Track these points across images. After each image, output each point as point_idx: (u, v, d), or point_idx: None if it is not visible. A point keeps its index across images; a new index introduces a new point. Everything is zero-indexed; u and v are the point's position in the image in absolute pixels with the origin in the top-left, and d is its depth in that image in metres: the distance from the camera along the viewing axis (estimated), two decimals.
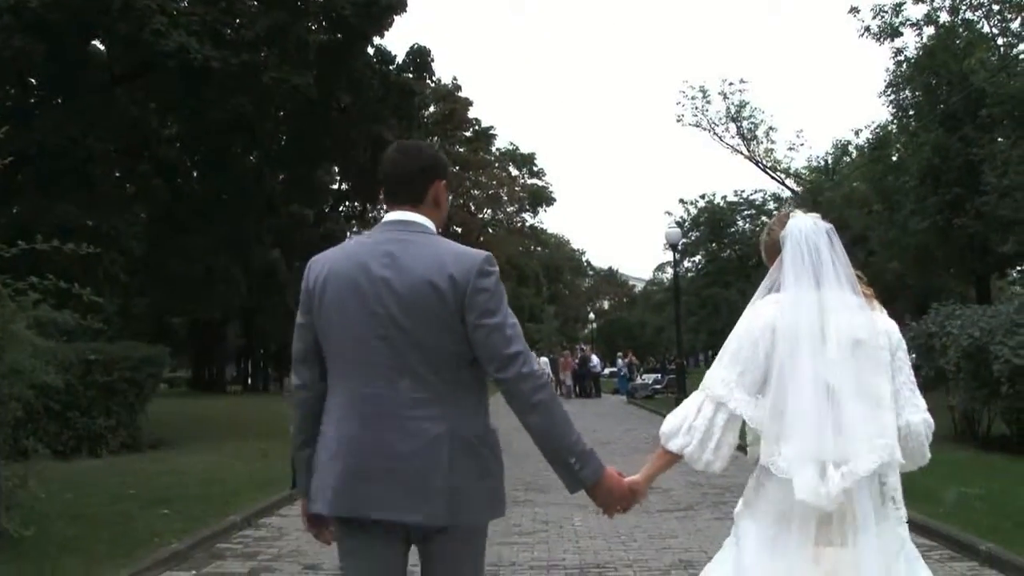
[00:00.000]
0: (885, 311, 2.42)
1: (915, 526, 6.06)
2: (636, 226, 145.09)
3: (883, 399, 2.18)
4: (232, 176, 20.40)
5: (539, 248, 57.00)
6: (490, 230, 50.85)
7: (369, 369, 2.14)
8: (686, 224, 27.32)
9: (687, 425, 2.22)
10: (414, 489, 2.10)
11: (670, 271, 31.82)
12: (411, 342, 2.13)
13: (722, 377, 2.21)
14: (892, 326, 2.35)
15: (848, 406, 2.11)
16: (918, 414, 2.28)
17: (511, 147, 53.18)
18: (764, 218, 27.06)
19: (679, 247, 25.89)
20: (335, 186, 35.69)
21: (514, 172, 52.31)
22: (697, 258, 29.35)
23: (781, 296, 2.25)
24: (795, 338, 2.16)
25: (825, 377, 2.12)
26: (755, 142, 36.67)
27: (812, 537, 2.08)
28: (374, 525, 2.14)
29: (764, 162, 36.95)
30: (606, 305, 75.73)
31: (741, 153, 36.71)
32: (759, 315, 2.25)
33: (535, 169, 54.19)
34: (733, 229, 26.86)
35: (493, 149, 49.69)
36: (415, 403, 2.13)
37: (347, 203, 38.46)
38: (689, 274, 31.01)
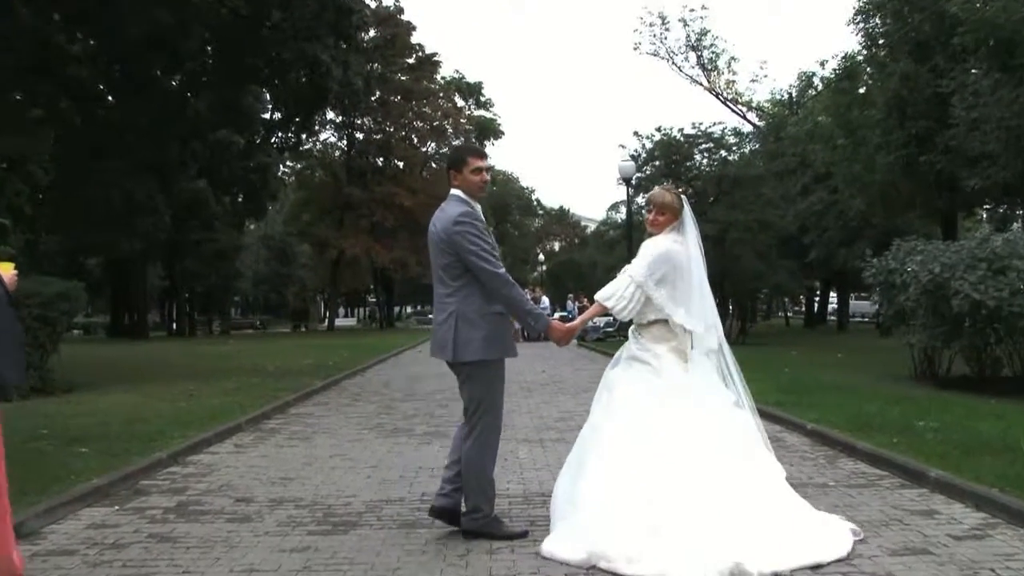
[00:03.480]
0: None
1: (866, 455, 6.36)
2: (589, 164, 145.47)
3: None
4: (152, 99, 19.77)
5: None
6: (434, 164, 50.42)
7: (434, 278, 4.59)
8: (641, 158, 27.25)
9: (619, 294, 4.42)
10: (438, 341, 4.53)
11: (623, 210, 31.97)
12: (436, 263, 4.55)
13: (643, 272, 4.40)
14: None
15: (709, 299, 4.55)
16: None
17: (457, 76, 52.69)
18: (723, 152, 27.25)
19: (633, 181, 25.97)
20: (267, 115, 34.85)
21: (460, 103, 51.78)
22: None
23: (680, 238, 4.54)
24: (690, 260, 4.48)
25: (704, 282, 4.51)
26: (716, 73, 36.78)
27: (688, 352, 4.46)
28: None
29: (725, 95, 37.13)
30: (556, 247, 75.90)
31: (701, 84, 36.84)
32: (665, 244, 4.50)
33: (482, 100, 53.81)
34: (690, 163, 26.95)
35: (437, 78, 49.14)
36: (441, 296, 4.56)
37: (280, 134, 37.60)
38: (643, 211, 31.32)
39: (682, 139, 26.56)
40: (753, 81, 41.26)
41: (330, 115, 44.18)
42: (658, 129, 27.20)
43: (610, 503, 4.03)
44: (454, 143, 49.03)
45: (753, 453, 4.34)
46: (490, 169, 4.69)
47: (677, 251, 4.45)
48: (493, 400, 4.51)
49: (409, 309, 79.04)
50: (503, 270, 4.41)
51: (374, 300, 63.70)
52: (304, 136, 40.33)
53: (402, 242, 43.35)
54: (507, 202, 65.56)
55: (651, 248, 4.46)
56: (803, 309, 43.61)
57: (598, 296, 4.50)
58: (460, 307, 4.41)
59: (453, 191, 4.59)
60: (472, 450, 4.47)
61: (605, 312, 4.56)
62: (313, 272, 59.13)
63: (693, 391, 4.32)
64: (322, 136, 47.26)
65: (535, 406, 10.55)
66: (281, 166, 45.14)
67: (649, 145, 27.22)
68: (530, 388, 12.72)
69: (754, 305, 30.72)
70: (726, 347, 4.59)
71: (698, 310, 4.43)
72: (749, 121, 36.72)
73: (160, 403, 10.15)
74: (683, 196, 4.64)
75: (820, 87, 31.03)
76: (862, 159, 20.01)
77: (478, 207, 4.60)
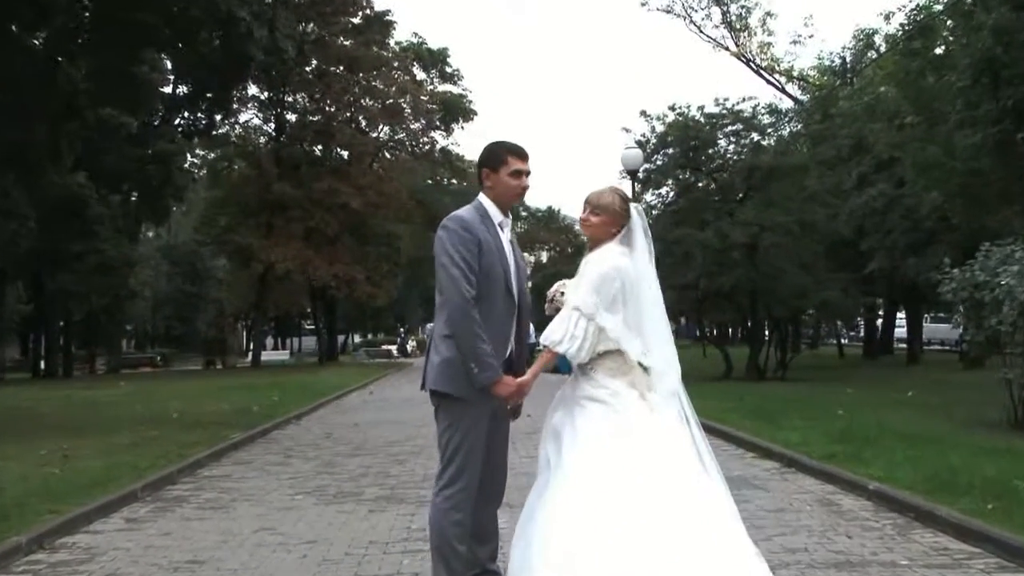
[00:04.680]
0: None
1: (950, 525, 6.30)
2: (585, 154, 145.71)
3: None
4: (10, 64, 19.44)
5: (454, 181, 56.81)
6: (387, 154, 50.42)
7: None
8: (650, 144, 27.26)
9: (569, 334, 4.57)
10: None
11: None
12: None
13: (591, 301, 4.57)
14: None
15: (665, 328, 4.86)
16: None
17: (415, 41, 52.79)
18: (755, 135, 27.37)
19: (640, 174, 26.04)
20: (168, 88, 34.86)
21: (420, 75, 51.95)
22: (664, 189, 29.59)
23: (626, 251, 4.73)
24: (639, 278, 4.69)
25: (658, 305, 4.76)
26: (746, 34, 37.13)
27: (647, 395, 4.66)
28: None
29: (757, 61, 37.47)
30: (544, 257, 76.12)
31: (727, 49, 37.18)
32: (611, 259, 4.67)
33: (449, 72, 53.83)
34: (712, 151, 27.04)
35: (391, 43, 49.26)
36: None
37: (187, 114, 37.57)
38: (653, 211, 31.19)
39: (702, 119, 26.65)
40: (795, 43, 40.31)
41: (252, 90, 44.29)
42: (672, 108, 27.30)
43: None
44: (413, 126, 49.31)
45: (725, 532, 4.41)
46: (530, 174, 4.96)
47: (626, 266, 4.70)
48: (461, 448, 4.69)
49: (357, 338, 78.92)
50: (468, 293, 4.61)
51: (312, 327, 63.51)
52: (219, 117, 40.38)
53: (347, 253, 43.29)
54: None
55: (595, 267, 4.69)
56: (861, 335, 43.72)
57: (545, 340, 4.69)
58: (437, 326, 4.77)
59: (480, 196, 4.93)
60: (435, 510, 4.69)
61: (554, 359, 4.79)
62: (232, 292, 58.90)
63: (667, 444, 4.52)
64: (242, 117, 47.58)
65: (518, 461, 10.41)
66: (189, 155, 45.11)
67: (660, 128, 27.30)
68: (512, 438, 12.60)
69: (796, 330, 30.74)
70: (683, 392, 4.79)
71: (654, 341, 4.72)
72: (788, 95, 37.05)
73: (20, 467, 9.91)
74: (633, 204, 4.91)
75: (883, 48, 31.11)
76: (939, 140, 19.87)
77: (505, 220, 4.95)
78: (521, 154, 4.93)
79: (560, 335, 4.59)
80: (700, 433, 4.67)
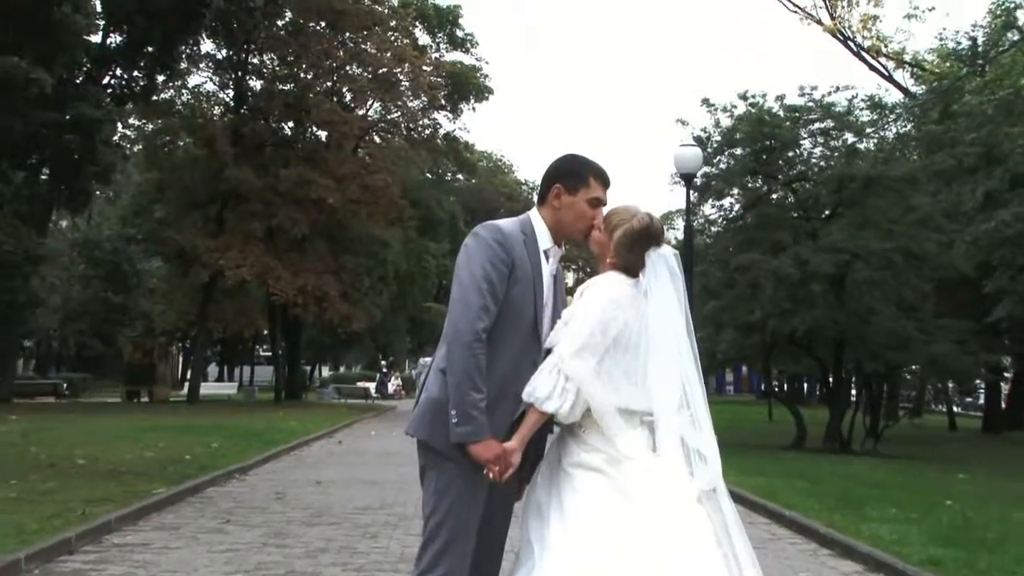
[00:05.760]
0: None
1: None
2: (625, 150, 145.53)
3: None
4: None
5: (460, 176, 56.90)
6: (376, 138, 50.47)
7: None
8: (712, 142, 27.26)
9: (557, 390, 4.60)
10: None
11: (680, 225, 32.03)
12: None
13: (577, 356, 4.60)
14: None
15: (697, 387, 4.86)
16: None
17: None
18: (849, 136, 27.31)
19: (697, 180, 25.93)
20: (96, 37, 34.97)
21: (423, 39, 52.32)
22: (727, 200, 29.45)
23: (633, 286, 4.78)
24: (646, 323, 4.76)
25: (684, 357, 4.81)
26: (845, 4, 37.11)
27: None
28: None
29: (859, 40, 37.43)
30: (569, 279, 76.04)
31: (818, 22, 37.21)
32: (611, 292, 4.73)
33: (459, 37, 54.20)
34: (793, 154, 27.02)
35: None
36: None
37: (120, 72, 37.73)
38: (713, 227, 31.02)
39: (782, 113, 26.68)
40: (909, 17, 39.83)
41: (207, 46, 44.51)
42: (743, 96, 27.31)
43: None
44: (411, 104, 49.32)
45: None
46: (605, 204, 5.00)
47: (627, 299, 4.76)
48: (446, 524, 4.68)
49: (326, 371, 78.95)
50: (480, 324, 4.62)
51: (268, 354, 63.58)
52: (161, 79, 40.52)
53: (319, 262, 43.42)
54: (492, 203, 65.73)
55: (590, 303, 4.74)
56: (980, 402, 43.45)
57: (529, 397, 4.68)
58: (437, 357, 4.79)
59: (534, 211, 5.02)
60: None
61: (543, 420, 4.77)
62: (168, 304, 58.82)
63: (681, 524, 4.51)
64: (192, 81, 47.70)
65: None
66: (120, 125, 45.17)
67: (727, 122, 27.31)
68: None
69: (894, 391, 30.54)
70: (722, 489, 4.72)
71: (664, 390, 4.71)
72: (897, 84, 36.99)
73: None
74: (657, 250, 4.86)
75: None
76: None
77: (554, 249, 4.97)
78: (606, 181, 4.98)
79: (546, 390, 4.63)
80: (732, 511, 4.63)
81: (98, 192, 48.00)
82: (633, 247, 4.76)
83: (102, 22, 32.95)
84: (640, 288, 4.75)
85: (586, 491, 4.58)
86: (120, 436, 21.35)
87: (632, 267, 4.76)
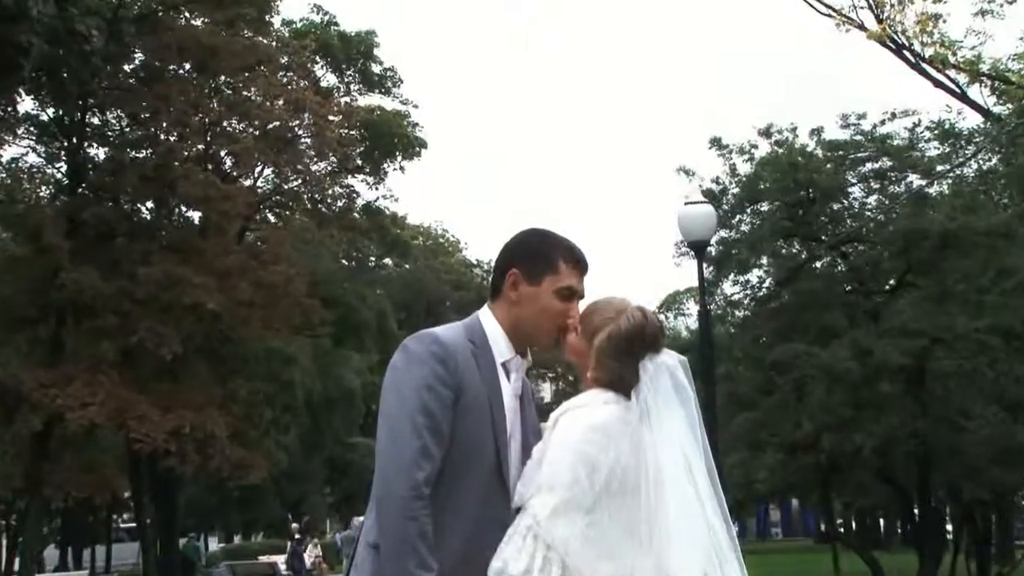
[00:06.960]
0: None
1: None
2: (610, 211, 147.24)
3: None
4: None
5: (388, 261, 57.08)
6: (271, 217, 50.56)
7: None
8: (728, 196, 27.37)
9: (538, 563, 4.47)
10: None
11: (693, 308, 31.97)
12: None
13: (551, 520, 4.49)
14: None
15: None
16: None
17: (317, 19, 53.47)
18: (915, 178, 27.37)
19: (711, 248, 25.71)
20: None
21: (328, 79, 53.13)
22: (754, 275, 29.46)
23: (624, 409, 4.70)
24: (644, 461, 4.68)
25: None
26: (895, 1, 37.36)
27: None
28: None
29: (917, 47, 37.59)
30: (546, 392, 76.79)
31: (860, 27, 37.34)
32: (594, 419, 4.69)
33: (375, 74, 54.57)
34: (840, 206, 27.10)
35: (275, 23, 50.28)
36: None
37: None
38: (738, 311, 30.94)
39: (820, 152, 26.72)
40: (983, 14, 40.27)
41: (26, 105, 44.32)
42: (765, 132, 27.30)
43: None
44: (316, 167, 49.34)
45: None
46: (583, 299, 4.95)
47: (616, 427, 4.69)
48: None
49: (214, 543, 78.60)
50: (419, 476, 4.45)
51: (132, 525, 63.09)
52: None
53: (198, 392, 43.09)
54: (433, 293, 66.16)
55: (563, 437, 4.68)
56: None
57: (497, 574, 4.59)
58: (367, 526, 4.73)
59: (484, 311, 4.97)
60: None
61: None
62: None
63: None
64: (8, 153, 47.24)
65: None
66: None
67: (745, 167, 27.31)
68: None
69: (1006, 520, 30.47)
70: None
71: (681, 550, 4.58)
72: (974, 105, 36.97)
73: None
74: (656, 357, 4.84)
75: None
76: None
77: (517, 360, 4.87)
78: (582, 264, 4.92)
79: (522, 566, 4.51)
80: None
81: None
82: (621, 355, 4.70)
83: None
84: (634, 410, 4.64)
85: None
86: None
87: (622, 381, 4.68)
